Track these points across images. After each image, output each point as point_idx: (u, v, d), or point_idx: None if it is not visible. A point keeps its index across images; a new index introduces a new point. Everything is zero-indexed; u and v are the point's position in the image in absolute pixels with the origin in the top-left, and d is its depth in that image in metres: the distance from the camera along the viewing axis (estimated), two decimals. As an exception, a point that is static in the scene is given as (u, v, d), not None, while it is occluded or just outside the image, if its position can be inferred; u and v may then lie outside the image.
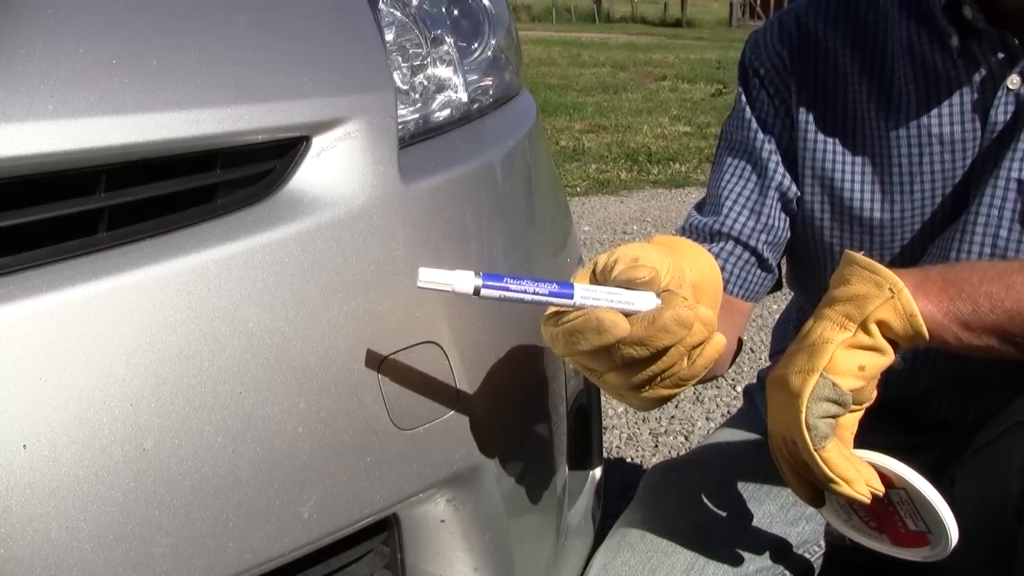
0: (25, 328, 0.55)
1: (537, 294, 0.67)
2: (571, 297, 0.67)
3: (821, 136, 0.96)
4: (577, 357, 0.70)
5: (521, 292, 0.67)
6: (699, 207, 1.03)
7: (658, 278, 0.69)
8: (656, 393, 0.71)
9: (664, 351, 0.68)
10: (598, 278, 0.71)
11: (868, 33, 0.94)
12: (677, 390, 0.72)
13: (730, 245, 0.99)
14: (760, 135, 0.99)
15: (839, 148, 0.96)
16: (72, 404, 0.56)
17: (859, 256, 0.76)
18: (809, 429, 0.71)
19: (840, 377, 0.72)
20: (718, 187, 1.01)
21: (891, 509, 0.79)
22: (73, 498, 0.56)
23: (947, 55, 0.89)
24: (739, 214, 0.99)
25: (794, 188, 0.99)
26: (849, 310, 0.74)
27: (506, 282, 0.67)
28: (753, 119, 1.00)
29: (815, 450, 0.72)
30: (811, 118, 0.97)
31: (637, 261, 0.69)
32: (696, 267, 0.76)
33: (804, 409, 0.72)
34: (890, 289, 0.74)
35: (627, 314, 0.68)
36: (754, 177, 0.99)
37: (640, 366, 0.69)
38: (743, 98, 1.01)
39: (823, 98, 0.96)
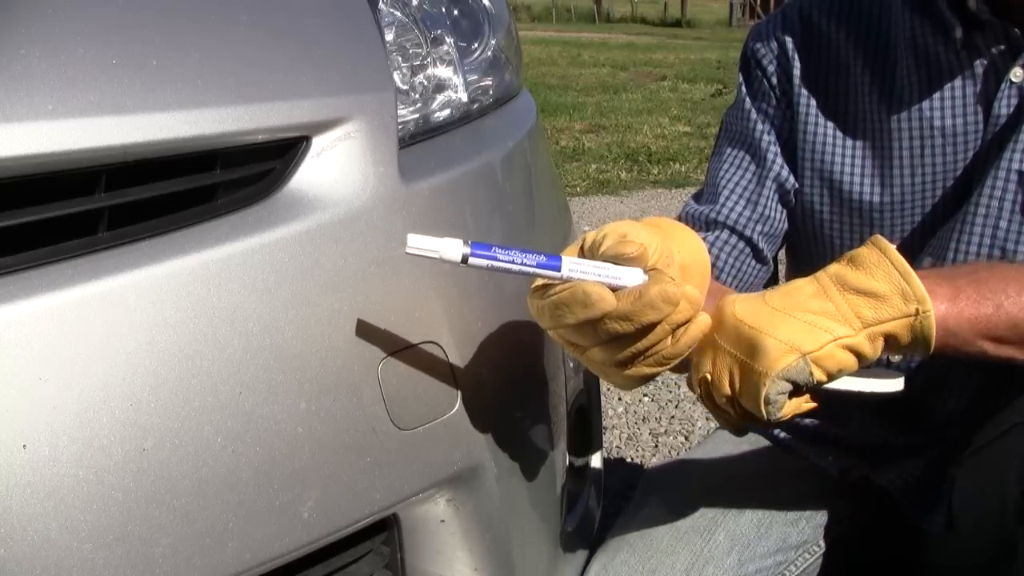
0: (25, 328, 0.55)
1: (525, 264, 0.67)
2: (559, 269, 0.67)
3: (822, 128, 0.97)
4: (562, 331, 0.70)
5: (509, 262, 0.67)
6: (696, 197, 1.04)
7: (646, 255, 0.69)
8: (639, 371, 0.71)
9: (650, 328, 0.68)
10: (586, 253, 0.71)
11: (871, 26, 0.94)
12: (660, 368, 0.71)
13: (725, 234, 0.99)
14: (759, 126, 0.99)
15: (840, 140, 0.96)
16: (72, 404, 0.56)
17: (893, 250, 0.72)
18: (767, 404, 0.69)
19: (818, 369, 0.70)
20: (716, 176, 1.01)
21: None
22: (73, 498, 0.56)
23: (950, 47, 0.89)
24: (735, 203, 0.99)
25: (792, 180, 0.99)
26: (862, 310, 0.71)
27: (494, 251, 0.66)
28: (753, 110, 1.00)
29: (769, 419, 0.70)
30: (812, 110, 0.97)
31: (626, 237, 0.68)
32: (685, 249, 0.75)
33: (768, 383, 0.69)
34: (917, 309, 0.70)
35: (614, 289, 0.67)
36: (752, 167, 0.99)
37: (625, 342, 0.69)
38: (744, 88, 1.01)
39: (825, 90, 0.97)
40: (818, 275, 0.74)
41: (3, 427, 0.54)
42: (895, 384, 0.75)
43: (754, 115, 1.00)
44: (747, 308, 0.72)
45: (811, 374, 0.69)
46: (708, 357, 0.73)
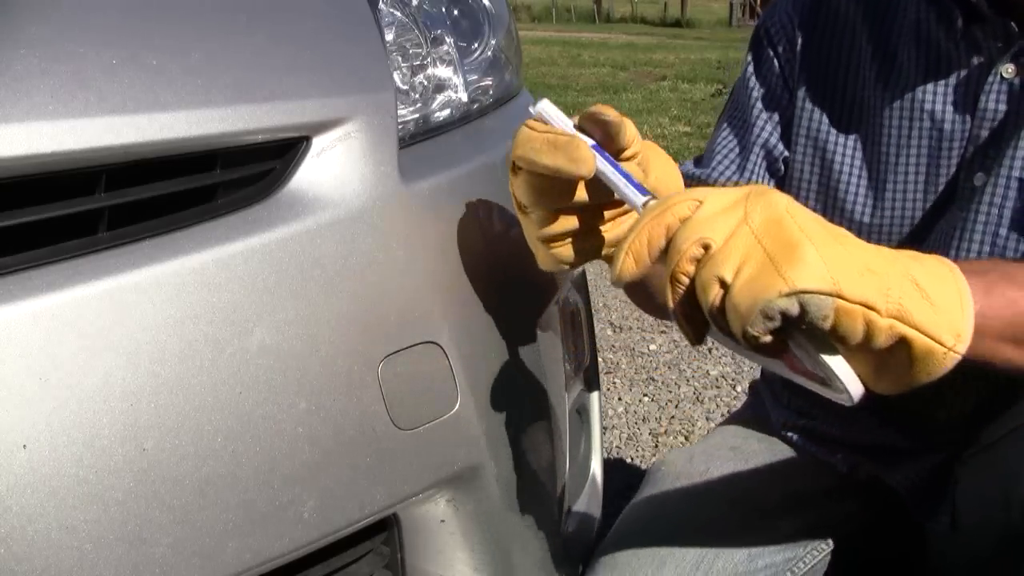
0: (25, 328, 0.55)
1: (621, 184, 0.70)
2: (641, 203, 0.68)
3: (819, 97, 0.98)
4: (525, 176, 0.71)
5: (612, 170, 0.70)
6: (696, 160, 1.07)
7: (626, 132, 0.73)
8: (566, 251, 0.74)
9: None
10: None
11: (880, 4, 0.95)
12: (584, 256, 0.74)
13: None
14: (755, 93, 1.02)
15: (833, 111, 0.98)
16: (72, 404, 0.56)
17: (964, 281, 0.61)
18: (766, 318, 0.56)
19: (839, 320, 0.56)
20: (712, 142, 1.05)
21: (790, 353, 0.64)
22: (73, 498, 0.56)
23: (951, 36, 0.90)
24: (725, 168, 1.02)
25: (780, 148, 1.01)
26: (908, 303, 0.57)
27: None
28: (753, 77, 1.03)
29: (737, 337, 0.57)
30: (811, 78, 0.98)
31: (623, 121, 0.73)
32: (664, 174, 0.78)
33: (780, 299, 0.55)
34: (952, 346, 0.59)
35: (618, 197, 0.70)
36: (743, 133, 1.03)
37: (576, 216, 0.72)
38: (750, 56, 1.04)
39: (827, 61, 0.98)
40: (880, 247, 0.62)
41: (3, 427, 0.54)
42: (857, 391, 0.61)
43: (752, 82, 1.02)
44: (801, 211, 0.59)
45: (826, 319, 0.56)
46: (725, 226, 0.58)
